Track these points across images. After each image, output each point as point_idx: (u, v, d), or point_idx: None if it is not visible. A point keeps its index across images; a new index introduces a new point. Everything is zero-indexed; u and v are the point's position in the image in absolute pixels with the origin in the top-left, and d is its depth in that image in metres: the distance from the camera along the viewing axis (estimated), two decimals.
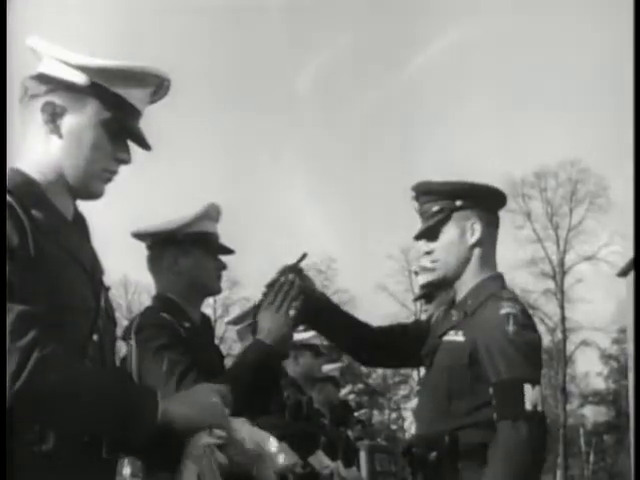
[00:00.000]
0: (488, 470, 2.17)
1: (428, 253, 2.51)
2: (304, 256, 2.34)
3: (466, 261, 2.44)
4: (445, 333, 2.43)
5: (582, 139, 50.35)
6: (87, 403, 1.47)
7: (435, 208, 2.46)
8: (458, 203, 2.43)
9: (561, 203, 36.14)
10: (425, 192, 2.50)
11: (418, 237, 2.54)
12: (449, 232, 2.45)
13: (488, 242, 2.46)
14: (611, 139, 44.29)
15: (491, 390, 2.25)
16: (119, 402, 1.51)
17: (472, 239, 2.43)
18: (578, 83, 48.66)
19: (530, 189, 36.10)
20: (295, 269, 2.32)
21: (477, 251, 2.44)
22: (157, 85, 1.73)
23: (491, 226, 2.48)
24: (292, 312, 2.29)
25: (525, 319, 2.31)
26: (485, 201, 2.46)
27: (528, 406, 2.18)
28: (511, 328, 2.26)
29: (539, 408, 2.20)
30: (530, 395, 2.19)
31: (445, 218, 2.44)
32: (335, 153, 49.55)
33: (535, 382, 2.23)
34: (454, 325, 2.42)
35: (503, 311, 2.29)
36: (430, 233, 2.48)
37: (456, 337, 2.38)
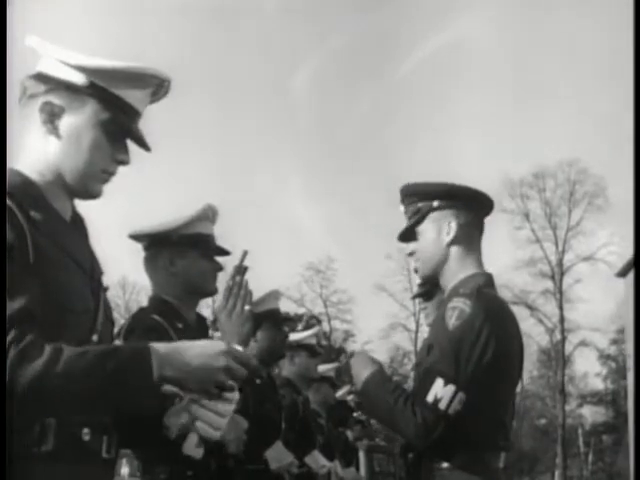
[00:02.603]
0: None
1: (411, 254, 2.55)
2: (245, 254, 2.36)
3: (444, 260, 2.45)
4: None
5: (581, 139, 50.40)
6: (76, 381, 1.40)
7: (414, 208, 2.50)
8: (436, 203, 2.46)
9: (560, 203, 36.21)
10: (408, 194, 2.54)
11: (400, 238, 2.59)
12: (427, 232, 2.48)
13: (467, 241, 2.46)
14: (610, 139, 44.45)
15: None
16: (110, 369, 1.42)
17: (448, 238, 2.44)
18: (577, 83, 48.70)
19: (529, 189, 36.17)
20: (240, 270, 2.34)
21: (454, 249, 2.45)
22: (157, 86, 1.72)
23: (471, 227, 2.48)
24: (247, 308, 2.32)
25: (476, 316, 2.23)
26: (464, 202, 2.47)
27: (429, 398, 2.16)
28: (452, 322, 2.24)
29: (441, 405, 2.15)
30: (438, 390, 2.16)
31: (421, 218, 2.48)
32: (333, 153, 49.60)
33: (450, 381, 2.17)
34: (430, 324, 2.46)
35: (450, 305, 2.28)
36: (409, 234, 2.53)
37: (426, 335, 2.42)
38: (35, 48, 1.68)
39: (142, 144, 1.71)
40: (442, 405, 2.16)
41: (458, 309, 2.25)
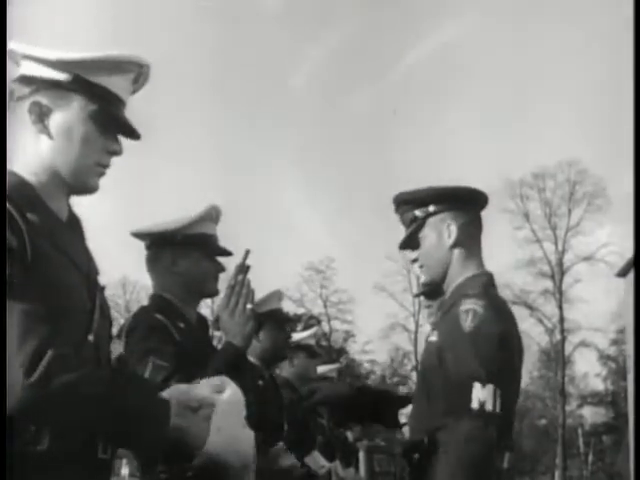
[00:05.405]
0: (438, 468, 2.16)
1: (414, 261, 2.56)
2: (247, 253, 2.35)
3: (447, 263, 2.46)
4: (430, 335, 2.47)
5: (581, 140, 50.43)
6: (98, 407, 1.44)
7: (411, 216, 2.51)
8: (432, 208, 2.47)
9: (559, 203, 36.28)
10: (402, 202, 2.54)
11: (402, 247, 2.59)
12: (428, 237, 2.48)
13: (468, 242, 2.47)
14: (610, 139, 44.41)
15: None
16: (130, 408, 1.47)
17: (449, 240, 2.45)
18: (577, 83, 48.72)
19: (528, 190, 36.23)
20: (242, 268, 2.33)
21: (457, 251, 2.46)
22: (137, 72, 1.73)
23: (470, 226, 2.49)
24: (249, 307, 2.31)
25: (490, 315, 2.25)
26: (459, 203, 2.48)
27: (474, 405, 2.15)
28: (468, 324, 2.24)
29: (488, 407, 2.15)
30: (479, 393, 2.16)
31: (420, 225, 2.49)
32: (332, 152, 49.66)
33: (486, 381, 2.17)
34: (434, 326, 2.46)
35: (463, 307, 2.28)
36: (410, 242, 2.53)
37: (432, 338, 2.41)
38: (13, 50, 1.68)
39: (131, 133, 1.72)
40: (489, 406, 2.15)
41: (472, 311, 2.25)
